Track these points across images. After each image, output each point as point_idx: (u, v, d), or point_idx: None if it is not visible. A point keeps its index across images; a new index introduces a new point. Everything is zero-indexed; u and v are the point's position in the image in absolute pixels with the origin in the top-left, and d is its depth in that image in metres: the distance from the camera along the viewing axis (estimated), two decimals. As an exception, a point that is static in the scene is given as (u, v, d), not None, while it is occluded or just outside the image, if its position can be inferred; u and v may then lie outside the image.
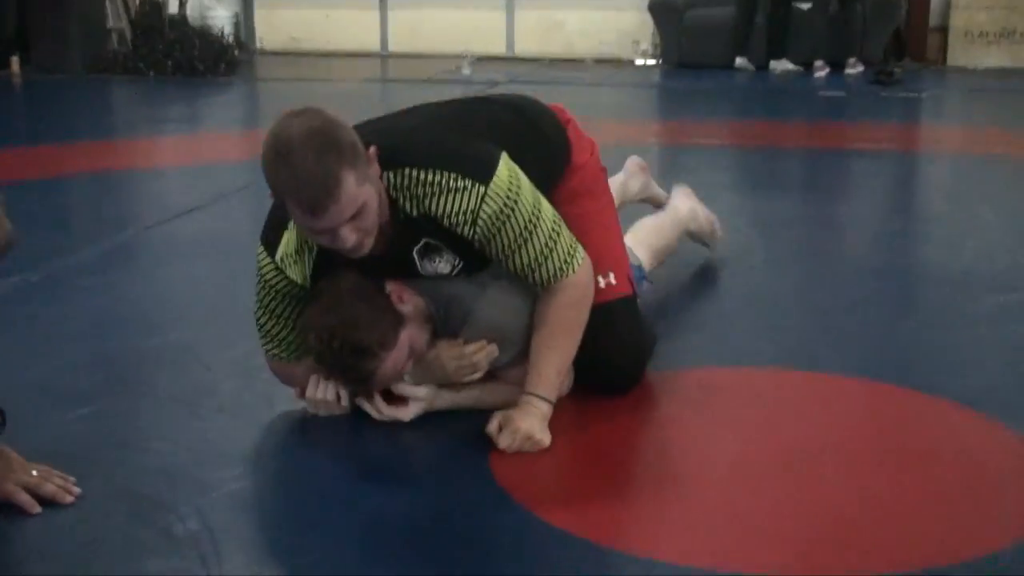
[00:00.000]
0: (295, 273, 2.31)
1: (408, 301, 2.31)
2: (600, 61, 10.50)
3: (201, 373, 2.76)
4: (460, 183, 2.20)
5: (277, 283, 2.34)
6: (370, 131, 2.24)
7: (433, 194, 2.20)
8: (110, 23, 10.18)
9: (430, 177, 2.20)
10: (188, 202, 4.65)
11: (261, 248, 2.35)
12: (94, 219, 4.67)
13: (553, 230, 2.29)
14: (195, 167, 5.69)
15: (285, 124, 2.07)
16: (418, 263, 2.34)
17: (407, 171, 2.20)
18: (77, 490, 2.05)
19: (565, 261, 2.30)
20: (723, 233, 3.57)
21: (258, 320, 2.44)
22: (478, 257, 2.32)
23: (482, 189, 2.20)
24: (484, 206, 2.20)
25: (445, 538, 1.93)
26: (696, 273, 3.54)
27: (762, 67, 9.34)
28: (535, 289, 2.34)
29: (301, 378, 2.45)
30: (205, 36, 9.75)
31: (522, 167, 2.28)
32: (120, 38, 10.14)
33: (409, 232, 2.28)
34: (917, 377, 2.70)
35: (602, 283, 2.49)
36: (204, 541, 1.92)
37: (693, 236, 3.46)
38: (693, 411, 2.53)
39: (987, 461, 2.24)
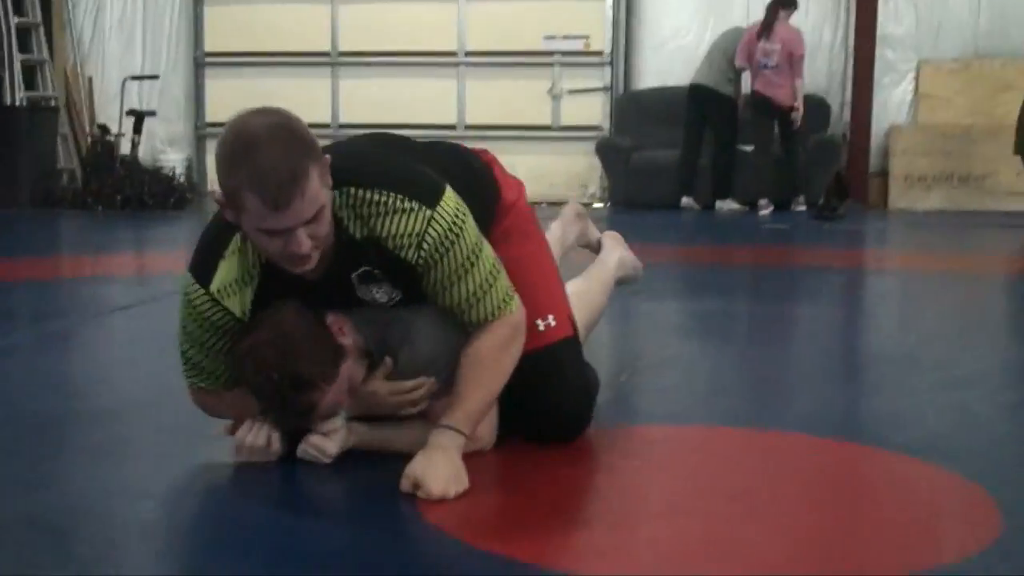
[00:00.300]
0: (233, 304, 2.21)
1: (348, 334, 2.24)
2: (551, 203, 10.63)
3: (120, 429, 2.65)
4: (407, 204, 2.15)
5: (211, 315, 2.23)
6: None
7: (380, 214, 2.14)
8: (61, 163, 10.24)
9: (377, 197, 2.14)
10: (126, 302, 4.71)
11: (191, 279, 2.25)
12: (32, 312, 4.65)
13: (493, 268, 2.24)
14: (136, 277, 5.66)
15: (247, 120, 2.02)
16: (356, 287, 2.26)
17: (354, 191, 2.15)
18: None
19: (503, 301, 2.25)
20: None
21: (184, 352, 2.33)
22: (416, 290, 2.25)
23: (428, 212, 2.15)
24: (430, 229, 2.14)
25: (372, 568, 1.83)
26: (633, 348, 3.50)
27: (708, 207, 9.48)
28: (467, 327, 2.27)
29: (229, 408, 2.34)
30: (156, 175, 9.79)
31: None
32: (70, 177, 10.18)
33: (350, 256, 2.20)
34: (859, 433, 2.66)
35: (541, 326, 2.42)
36: (105, 563, 1.80)
37: (619, 282, 3.35)
38: (630, 459, 2.45)
39: (924, 496, 2.19)
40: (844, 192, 10.02)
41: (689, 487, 2.25)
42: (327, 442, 2.27)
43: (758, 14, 10.07)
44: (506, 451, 2.39)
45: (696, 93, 9.49)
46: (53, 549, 1.86)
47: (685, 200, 9.55)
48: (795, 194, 9.33)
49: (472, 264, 2.20)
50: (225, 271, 2.21)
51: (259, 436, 2.30)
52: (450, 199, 2.19)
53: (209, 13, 11.26)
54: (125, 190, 9.34)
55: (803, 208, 9.22)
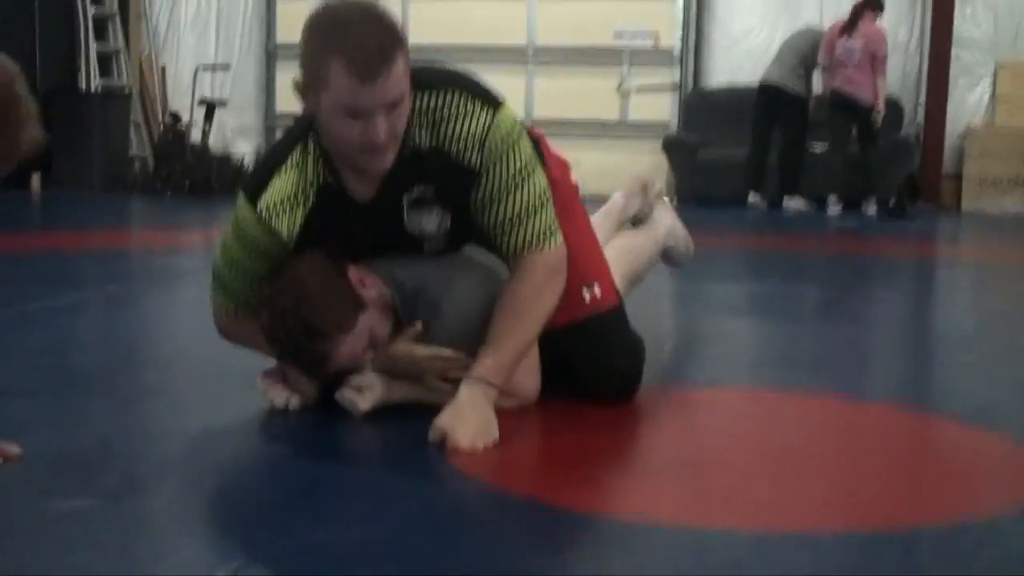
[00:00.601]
0: (280, 224, 2.15)
1: (371, 287, 2.21)
2: (616, 201, 10.57)
3: (156, 378, 2.67)
4: (473, 106, 2.12)
5: (256, 234, 2.18)
6: None
7: (448, 118, 2.11)
8: (133, 150, 10.41)
9: (448, 99, 2.12)
10: (187, 269, 4.82)
11: (242, 198, 2.20)
12: (100, 277, 4.72)
13: (544, 192, 2.20)
14: (199, 249, 5.76)
15: (337, 3, 2.04)
16: (405, 213, 2.21)
17: (427, 95, 2.12)
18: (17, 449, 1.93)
19: (545, 232, 2.19)
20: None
21: (218, 274, 2.29)
22: (464, 219, 2.21)
23: (492, 113, 2.13)
24: (492, 132, 2.12)
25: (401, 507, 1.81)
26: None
27: (775, 205, 9.36)
28: (506, 258, 2.22)
29: (250, 340, 2.32)
30: (224, 162, 9.91)
31: None
32: (142, 164, 10.34)
33: (409, 172, 2.15)
34: (910, 401, 2.59)
35: (587, 296, 2.39)
36: (125, 490, 1.81)
37: (667, 255, 3.28)
38: (668, 416, 2.41)
39: (965, 455, 2.13)
40: (915, 193, 9.86)
41: (728, 443, 2.20)
42: (359, 397, 2.25)
43: (831, 15, 9.96)
44: (541, 404, 2.35)
45: (766, 91, 9.38)
46: (79, 479, 1.86)
47: (752, 198, 9.44)
48: (867, 195, 9.17)
49: (524, 179, 2.16)
50: (278, 187, 2.15)
51: (283, 392, 2.29)
52: (509, 110, 2.18)
53: (281, 5, 11.37)
54: (193, 176, 9.46)
55: (874, 210, 9.06)
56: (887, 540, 1.64)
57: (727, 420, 2.39)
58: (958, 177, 10.07)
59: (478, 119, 2.12)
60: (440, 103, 2.12)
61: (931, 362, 3.19)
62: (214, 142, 10.57)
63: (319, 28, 2.00)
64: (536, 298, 2.21)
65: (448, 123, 2.12)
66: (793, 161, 9.37)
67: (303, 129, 2.16)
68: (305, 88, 2.03)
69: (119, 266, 5.13)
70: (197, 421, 2.27)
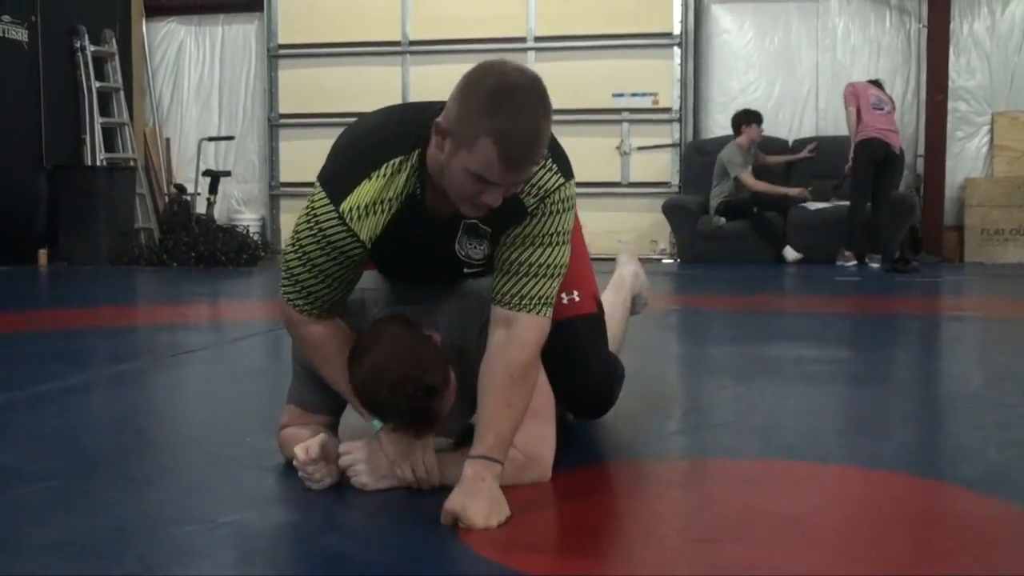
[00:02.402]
0: (361, 227, 2.15)
1: (439, 342, 2.26)
2: (619, 260, 10.59)
3: (168, 460, 2.68)
4: (552, 164, 2.17)
5: (334, 235, 2.17)
6: None
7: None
8: (138, 222, 10.48)
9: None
10: (196, 346, 4.81)
11: (323, 195, 2.18)
12: (107, 355, 4.76)
13: (563, 267, 2.24)
14: (207, 323, 5.75)
15: (509, 68, 2.01)
16: (459, 237, 2.26)
17: None
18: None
19: (548, 298, 2.22)
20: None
21: (294, 271, 2.25)
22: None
23: (563, 178, 2.19)
24: (558, 191, 2.17)
25: None
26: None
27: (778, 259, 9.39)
28: (499, 296, 2.22)
29: (321, 360, 2.34)
30: (230, 232, 9.98)
31: None
32: (148, 235, 10.41)
33: None
34: (917, 467, 2.60)
35: (565, 299, 2.44)
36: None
37: (632, 303, 3.28)
38: (678, 489, 2.41)
39: (977, 527, 2.13)
40: (919, 246, 9.89)
41: (740, 514, 2.19)
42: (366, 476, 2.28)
43: (827, 69, 10.07)
44: (552, 479, 2.36)
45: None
46: (95, 568, 1.87)
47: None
48: (874, 250, 9.15)
49: (559, 243, 2.22)
50: (366, 191, 2.15)
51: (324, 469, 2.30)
52: (574, 186, 2.24)
53: (283, 76, 11.51)
54: (199, 247, 9.52)
55: (877, 263, 9.06)
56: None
57: (737, 490, 2.39)
58: (960, 228, 10.11)
59: (552, 175, 2.18)
60: None
61: (940, 426, 3.18)
62: (219, 213, 10.66)
63: (484, 91, 1.98)
64: (534, 367, 2.24)
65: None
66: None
67: (410, 145, 2.17)
68: (446, 134, 2.04)
69: (127, 343, 5.16)
70: (213, 505, 2.27)
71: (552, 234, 2.21)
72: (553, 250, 2.21)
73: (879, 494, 2.37)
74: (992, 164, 10.24)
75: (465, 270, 2.34)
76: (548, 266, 2.21)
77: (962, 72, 10.30)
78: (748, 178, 9.48)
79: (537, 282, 2.21)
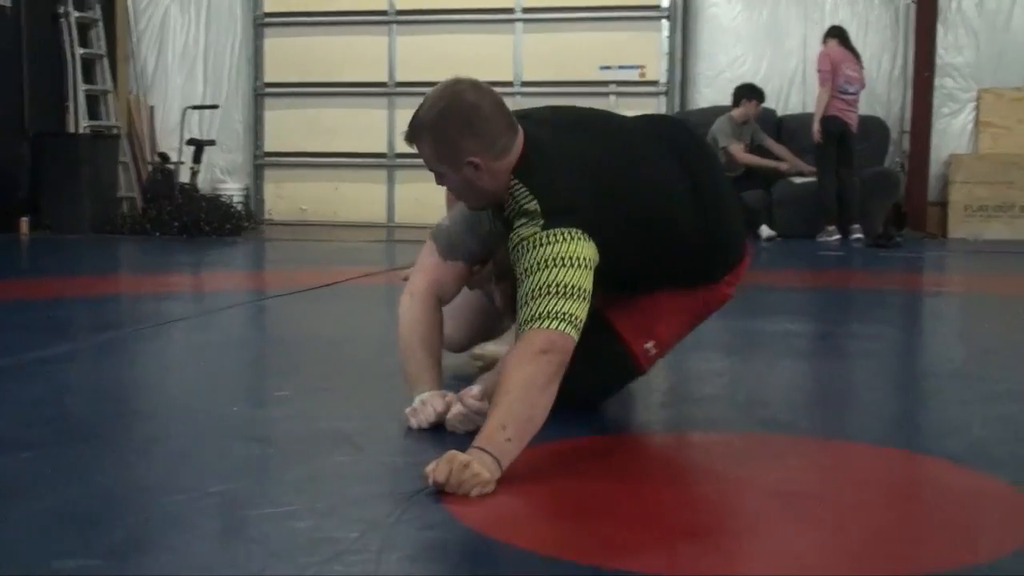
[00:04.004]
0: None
1: None
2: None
3: (154, 429, 2.68)
4: (532, 208, 2.39)
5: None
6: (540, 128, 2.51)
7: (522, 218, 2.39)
8: (121, 191, 10.42)
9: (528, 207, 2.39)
10: (179, 315, 4.79)
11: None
12: (91, 324, 4.72)
13: (552, 284, 2.29)
14: (191, 293, 5.75)
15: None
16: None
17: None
18: None
19: (541, 314, 2.27)
20: None
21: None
22: None
23: (536, 230, 2.35)
24: (529, 236, 2.36)
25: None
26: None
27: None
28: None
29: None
30: (213, 202, 9.93)
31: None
32: (131, 204, 10.35)
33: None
34: (903, 441, 2.62)
35: (646, 346, 2.68)
36: (130, 548, 1.81)
37: None
38: (665, 462, 2.42)
39: (962, 499, 2.15)
40: (903, 222, 9.92)
41: (727, 488, 2.21)
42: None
43: (815, 43, 10.03)
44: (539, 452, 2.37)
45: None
46: (83, 537, 1.86)
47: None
48: (852, 222, 9.21)
49: (539, 271, 2.31)
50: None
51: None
52: (559, 234, 2.35)
53: (269, 45, 11.43)
54: (182, 217, 9.47)
55: (859, 236, 9.10)
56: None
57: (723, 463, 2.40)
58: (944, 204, 10.14)
59: (527, 224, 2.37)
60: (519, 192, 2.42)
61: (924, 400, 3.20)
62: (203, 182, 10.61)
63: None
64: (530, 366, 2.25)
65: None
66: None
67: None
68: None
69: (111, 313, 5.14)
70: (200, 474, 2.27)
71: (531, 266, 2.32)
72: (533, 277, 2.31)
73: (864, 468, 2.39)
74: (977, 141, 10.26)
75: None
76: (531, 292, 2.30)
77: (950, 48, 10.30)
78: (737, 150, 9.47)
79: (526, 308, 2.30)
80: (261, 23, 11.39)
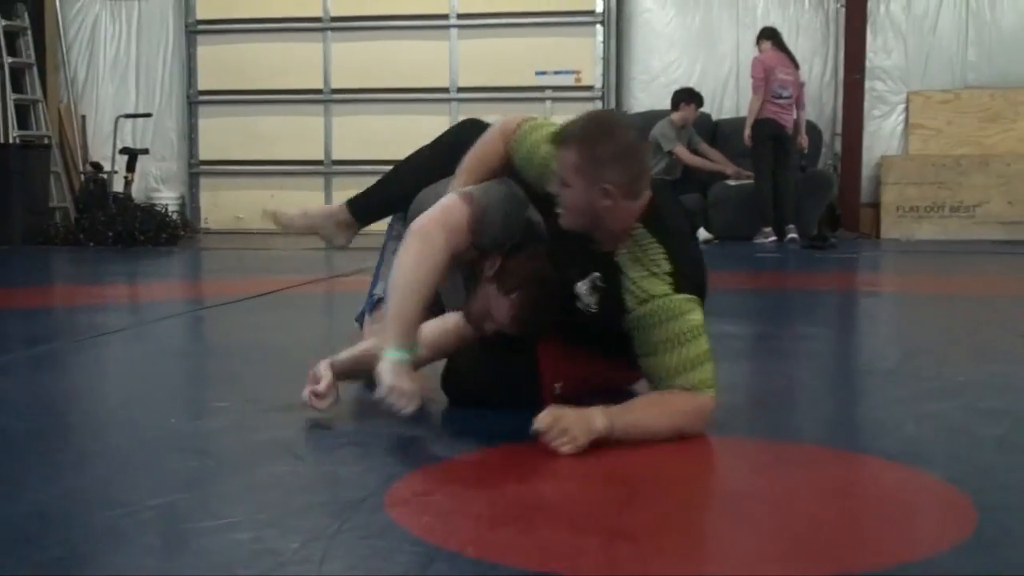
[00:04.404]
0: None
1: None
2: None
3: (88, 443, 2.65)
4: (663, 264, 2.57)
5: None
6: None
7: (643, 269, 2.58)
8: (53, 201, 10.27)
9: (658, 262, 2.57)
10: (114, 327, 4.73)
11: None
12: (24, 337, 4.63)
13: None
14: (126, 305, 5.69)
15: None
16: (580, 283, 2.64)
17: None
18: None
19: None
20: None
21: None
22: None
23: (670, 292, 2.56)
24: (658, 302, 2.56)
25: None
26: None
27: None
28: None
29: None
30: (148, 211, 9.82)
31: None
32: (63, 214, 10.21)
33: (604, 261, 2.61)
34: (839, 440, 2.65)
35: (556, 385, 2.76)
36: (68, 564, 1.79)
37: None
38: (599, 466, 2.44)
39: (899, 497, 2.18)
40: (836, 223, 10.06)
41: (661, 488, 2.22)
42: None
43: (747, 47, 10.15)
44: (480, 457, 2.37)
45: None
46: (18, 553, 1.84)
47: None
48: (788, 222, 9.31)
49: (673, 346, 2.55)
50: None
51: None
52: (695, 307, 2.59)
53: (202, 52, 11.34)
54: (116, 227, 9.36)
55: (794, 236, 9.20)
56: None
57: (659, 463, 2.41)
58: (876, 205, 10.30)
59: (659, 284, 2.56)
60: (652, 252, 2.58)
61: (859, 399, 3.25)
62: (137, 191, 10.49)
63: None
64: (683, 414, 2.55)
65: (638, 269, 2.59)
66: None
67: None
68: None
69: (45, 325, 5.06)
70: (137, 488, 2.24)
71: (681, 332, 2.55)
72: (690, 346, 2.55)
73: (802, 467, 2.41)
74: (907, 142, 10.43)
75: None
76: (692, 360, 2.55)
77: (879, 52, 10.47)
78: (683, 152, 9.53)
79: (690, 373, 2.55)
80: (194, 30, 11.30)
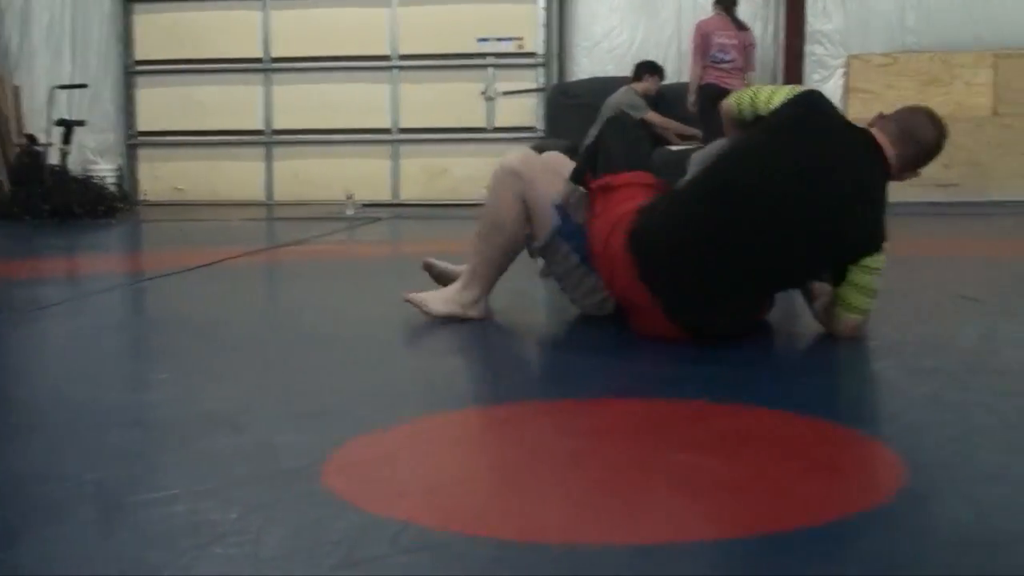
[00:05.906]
0: None
1: None
2: (486, 205, 10.63)
3: (29, 416, 2.61)
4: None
5: None
6: None
7: None
8: (-13, 173, 10.11)
9: None
10: (52, 300, 4.67)
11: None
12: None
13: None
14: (64, 278, 5.62)
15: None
16: None
17: None
18: None
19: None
20: None
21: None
22: None
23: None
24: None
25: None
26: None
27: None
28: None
29: None
30: (85, 184, 9.70)
31: None
32: (-2, 187, 10.05)
33: None
34: (768, 400, 2.67)
35: None
36: (2, 540, 1.77)
37: None
38: (521, 432, 2.45)
39: (827, 452, 2.21)
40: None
41: (605, 454, 2.24)
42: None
43: (689, 14, 10.18)
44: (422, 425, 2.38)
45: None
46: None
47: None
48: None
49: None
50: None
51: None
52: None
53: (139, 21, 11.18)
54: (53, 200, 9.23)
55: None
56: (766, 545, 1.70)
57: (604, 427, 2.43)
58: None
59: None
60: None
61: (796, 360, 3.28)
62: (74, 163, 10.34)
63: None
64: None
65: None
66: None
67: None
68: None
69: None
70: (76, 461, 2.23)
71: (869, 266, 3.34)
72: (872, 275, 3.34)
73: (731, 425, 2.44)
74: (847, 106, 10.52)
75: None
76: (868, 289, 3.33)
77: (819, 16, 10.54)
78: (655, 116, 9.56)
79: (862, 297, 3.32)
80: (130, -1, 11.14)
